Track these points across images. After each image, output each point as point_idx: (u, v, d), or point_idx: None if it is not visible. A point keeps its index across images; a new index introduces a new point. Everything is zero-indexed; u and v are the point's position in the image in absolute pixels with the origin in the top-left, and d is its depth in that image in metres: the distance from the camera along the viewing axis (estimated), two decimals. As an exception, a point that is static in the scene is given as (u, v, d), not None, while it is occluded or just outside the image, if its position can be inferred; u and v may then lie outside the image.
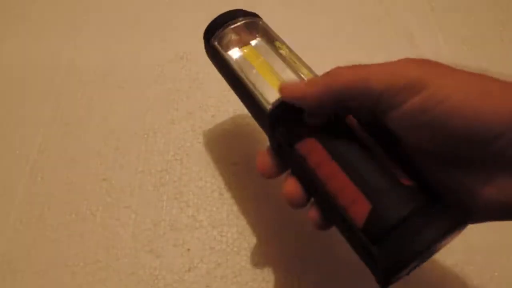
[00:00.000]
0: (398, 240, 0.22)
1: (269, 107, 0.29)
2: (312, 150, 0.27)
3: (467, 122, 0.21)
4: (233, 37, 0.34)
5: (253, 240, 0.37)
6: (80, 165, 0.42)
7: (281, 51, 0.33)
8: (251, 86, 0.31)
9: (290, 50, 0.33)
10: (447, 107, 0.21)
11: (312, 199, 0.28)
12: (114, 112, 0.45)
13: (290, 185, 0.28)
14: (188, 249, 0.37)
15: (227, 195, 0.40)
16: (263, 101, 0.30)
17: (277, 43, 0.34)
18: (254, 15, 0.35)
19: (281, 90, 0.27)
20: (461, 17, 0.54)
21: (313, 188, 0.27)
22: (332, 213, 0.26)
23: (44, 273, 0.36)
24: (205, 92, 0.47)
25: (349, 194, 0.24)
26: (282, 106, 0.29)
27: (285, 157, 0.30)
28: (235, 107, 0.45)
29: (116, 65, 0.49)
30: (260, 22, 0.35)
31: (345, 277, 0.35)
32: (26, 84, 0.48)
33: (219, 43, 0.34)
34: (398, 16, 0.54)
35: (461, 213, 0.23)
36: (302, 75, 0.31)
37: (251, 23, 0.34)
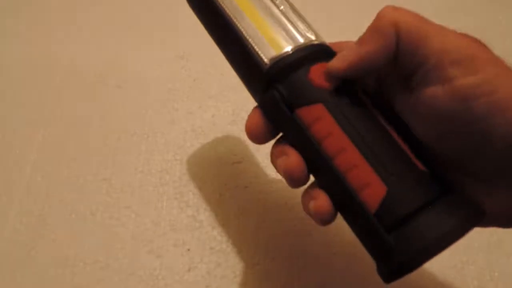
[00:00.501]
0: (419, 230, 0.19)
1: (266, 62, 0.25)
2: (318, 118, 0.23)
3: (505, 124, 0.19)
4: None
5: (253, 240, 0.37)
6: (80, 165, 0.42)
7: (280, 2, 0.28)
8: (245, 35, 0.26)
9: (291, 4, 0.28)
10: (492, 101, 0.19)
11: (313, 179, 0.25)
12: (114, 112, 0.45)
13: (290, 159, 0.24)
14: (188, 249, 0.37)
15: (227, 195, 0.40)
16: (260, 53, 0.25)
17: None
18: None
19: (332, 65, 0.23)
20: (461, 17, 0.54)
21: (318, 164, 0.23)
22: (340, 195, 0.22)
23: (44, 273, 0.36)
24: (205, 92, 0.47)
25: (362, 173, 0.21)
26: (284, 61, 0.24)
27: (282, 122, 0.25)
28: (235, 107, 0.45)
29: (116, 65, 0.49)
30: None
31: (346, 276, 0.35)
32: (26, 84, 0.48)
33: None
34: (398, 16, 0.54)
35: (479, 205, 0.21)
36: (302, 31, 0.26)
37: None
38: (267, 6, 0.27)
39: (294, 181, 0.24)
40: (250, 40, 0.26)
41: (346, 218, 0.23)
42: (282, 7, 0.28)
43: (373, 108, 0.24)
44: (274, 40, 0.26)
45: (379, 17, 0.22)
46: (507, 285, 0.35)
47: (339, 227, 0.30)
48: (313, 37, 0.26)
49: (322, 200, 0.23)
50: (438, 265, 0.36)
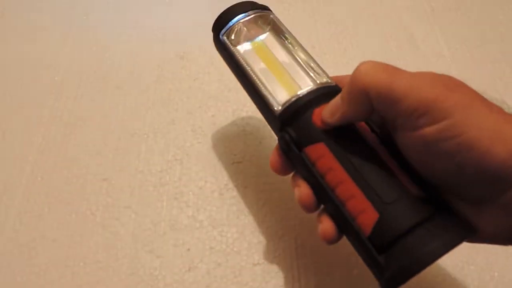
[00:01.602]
0: (404, 251, 0.22)
1: (278, 108, 0.29)
2: (321, 155, 0.26)
3: (475, 162, 0.21)
4: (243, 31, 0.33)
5: (253, 240, 0.37)
6: (80, 165, 0.42)
7: (291, 47, 0.33)
8: (260, 85, 0.31)
9: (300, 46, 0.32)
10: (460, 142, 0.21)
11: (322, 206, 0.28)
12: (114, 112, 0.45)
13: (302, 191, 0.28)
14: (188, 249, 0.37)
15: (227, 195, 0.40)
16: (272, 101, 0.30)
17: (288, 38, 0.33)
18: (265, 8, 0.34)
19: (322, 121, 0.27)
20: (461, 17, 0.54)
21: (322, 194, 0.27)
22: (341, 220, 0.26)
23: (44, 273, 0.36)
24: (205, 92, 0.47)
25: (358, 202, 0.24)
26: (292, 107, 0.28)
27: (294, 159, 0.29)
28: (235, 107, 0.45)
29: (116, 65, 0.49)
30: (271, 16, 0.34)
31: (346, 277, 0.35)
32: (26, 84, 0.48)
33: (228, 37, 0.33)
34: (398, 16, 0.54)
35: (468, 225, 0.23)
36: (311, 73, 0.31)
37: (261, 17, 0.33)
38: (279, 50, 0.32)
39: (306, 208, 0.28)
40: (263, 88, 0.30)
41: (348, 239, 0.27)
42: (292, 49, 0.32)
43: (372, 139, 0.27)
44: (285, 86, 0.30)
45: (352, 80, 0.24)
46: (507, 285, 0.35)
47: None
48: (319, 80, 0.30)
49: (327, 225, 0.27)
50: (438, 265, 0.36)
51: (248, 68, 0.31)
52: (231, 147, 0.43)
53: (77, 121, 0.45)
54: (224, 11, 0.34)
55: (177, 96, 0.46)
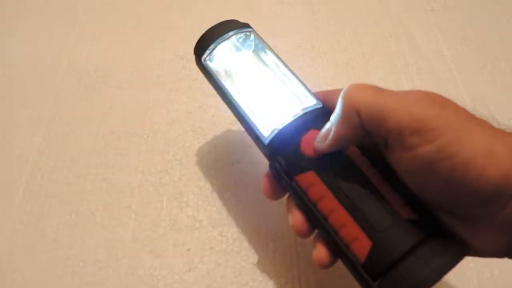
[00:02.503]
0: (398, 278, 0.23)
1: (266, 137, 0.29)
2: (312, 183, 0.26)
3: (470, 183, 0.21)
4: (225, 52, 0.32)
5: (253, 240, 0.37)
6: (80, 165, 0.42)
7: (274, 66, 0.32)
8: (246, 114, 0.30)
9: (282, 63, 0.32)
10: (454, 163, 0.21)
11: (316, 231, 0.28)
12: (114, 112, 0.45)
13: (295, 218, 0.28)
14: (188, 249, 0.37)
15: (227, 195, 0.40)
16: (259, 130, 0.29)
17: (269, 56, 0.33)
18: (245, 26, 0.34)
19: (315, 149, 0.27)
20: (461, 17, 0.54)
21: (316, 222, 0.27)
22: (335, 247, 0.26)
23: (44, 273, 0.36)
24: (205, 92, 0.47)
25: (350, 231, 0.24)
26: (279, 137, 0.28)
27: (284, 186, 0.29)
28: (235, 107, 0.45)
29: (116, 65, 0.49)
30: (252, 35, 0.33)
31: (346, 277, 0.35)
32: (26, 84, 0.48)
33: (210, 61, 0.32)
34: (398, 16, 0.54)
35: (462, 246, 0.23)
36: (296, 95, 0.30)
37: (242, 36, 0.33)
38: (262, 69, 0.32)
39: (299, 235, 0.28)
40: (249, 117, 0.30)
41: (343, 263, 0.27)
42: (275, 69, 0.32)
43: (362, 163, 0.26)
44: (272, 111, 0.29)
45: (342, 101, 0.24)
46: (507, 283, 0.35)
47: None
48: (305, 103, 0.29)
49: (320, 251, 0.27)
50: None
51: (233, 95, 0.31)
52: (231, 147, 0.43)
53: (77, 121, 0.45)
54: (204, 33, 0.33)
55: (177, 96, 0.46)
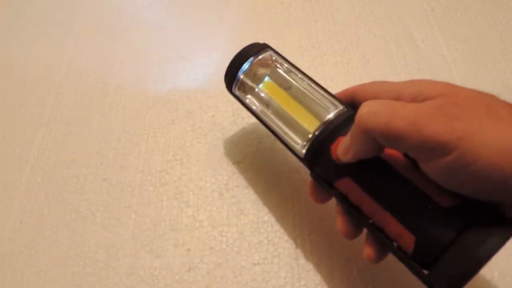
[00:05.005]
0: (447, 264, 0.24)
1: (301, 151, 0.31)
2: (350, 189, 0.28)
3: (496, 181, 0.21)
4: (251, 77, 0.35)
5: (253, 240, 0.37)
6: (80, 165, 0.42)
7: (296, 78, 0.34)
8: (282, 134, 0.32)
9: (303, 74, 0.34)
10: (475, 170, 0.21)
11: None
12: (114, 112, 0.45)
13: (339, 221, 0.30)
14: (188, 249, 0.37)
15: (227, 195, 0.40)
16: (295, 146, 0.31)
17: (291, 70, 0.34)
18: (264, 47, 0.35)
19: (339, 157, 0.28)
20: (461, 17, 0.54)
21: (362, 222, 0.29)
22: (382, 244, 0.28)
23: (44, 273, 0.36)
24: (205, 92, 0.47)
25: (394, 228, 0.26)
26: (311, 149, 0.30)
27: (328, 191, 0.31)
28: (235, 107, 0.45)
29: (116, 65, 0.49)
30: (272, 54, 0.35)
31: (346, 277, 0.35)
32: (26, 84, 0.48)
33: (239, 89, 0.35)
34: (398, 16, 0.54)
35: (508, 226, 0.24)
36: (320, 102, 0.31)
37: (263, 58, 0.35)
38: (288, 82, 0.33)
39: (345, 237, 0.30)
40: (285, 136, 0.32)
41: (396, 258, 0.28)
42: (298, 81, 0.33)
43: (395, 160, 0.27)
44: (302, 124, 0.31)
45: (356, 123, 0.25)
46: (507, 285, 0.35)
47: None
48: (329, 110, 0.30)
49: (369, 250, 0.28)
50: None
51: (266, 118, 0.34)
52: (231, 147, 0.43)
53: (77, 121, 0.45)
54: (229, 66, 0.35)
55: (177, 96, 0.46)
